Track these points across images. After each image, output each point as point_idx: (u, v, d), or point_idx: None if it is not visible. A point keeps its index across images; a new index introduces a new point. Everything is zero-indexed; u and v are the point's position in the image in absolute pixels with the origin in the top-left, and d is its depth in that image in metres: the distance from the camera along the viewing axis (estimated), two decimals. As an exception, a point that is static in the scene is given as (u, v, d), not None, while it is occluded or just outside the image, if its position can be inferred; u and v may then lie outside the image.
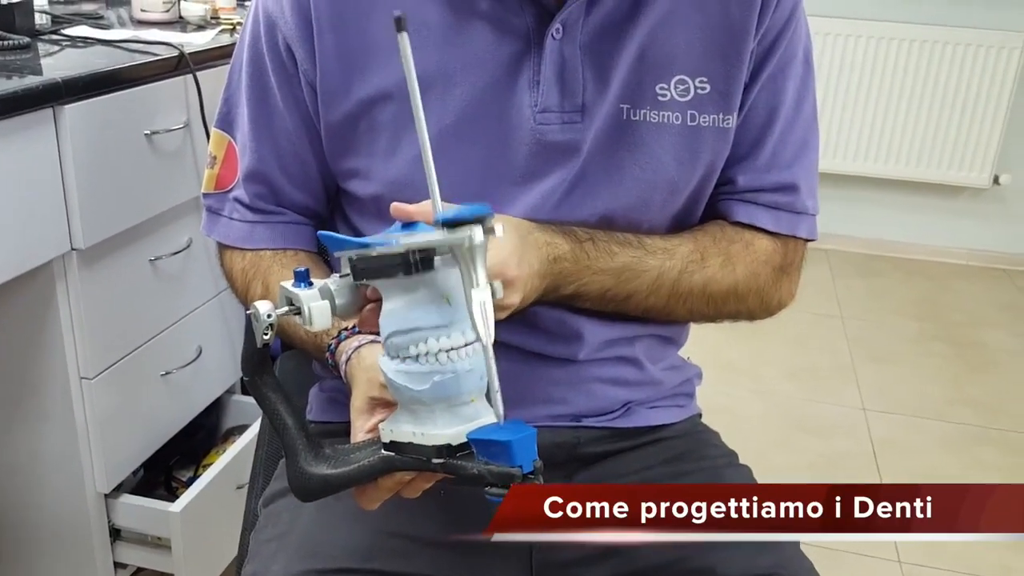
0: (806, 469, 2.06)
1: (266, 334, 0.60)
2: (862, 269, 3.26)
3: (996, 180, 3.25)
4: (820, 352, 2.63)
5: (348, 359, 0.69)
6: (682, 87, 0.75)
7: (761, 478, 2.12)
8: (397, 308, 0.56)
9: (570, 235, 0.73)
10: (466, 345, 0.55)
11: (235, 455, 1.50)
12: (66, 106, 1.13)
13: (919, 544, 1.81)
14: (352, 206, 0.82)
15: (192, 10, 1.61)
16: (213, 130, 0.85)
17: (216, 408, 1.67)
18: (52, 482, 1.34)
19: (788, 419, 2.26)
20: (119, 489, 1.40)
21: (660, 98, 0.75)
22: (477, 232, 0.51)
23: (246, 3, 1.90)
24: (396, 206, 0.62)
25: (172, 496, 1.48)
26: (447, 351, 0.55)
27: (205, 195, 0.85)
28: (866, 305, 2.97)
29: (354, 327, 0.71)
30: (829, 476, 2.04)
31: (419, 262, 0.54)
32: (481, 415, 0.56)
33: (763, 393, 2.38)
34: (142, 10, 1.61)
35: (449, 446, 0.55)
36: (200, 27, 1.60)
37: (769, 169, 0.80)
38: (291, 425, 0.63)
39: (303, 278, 0.59)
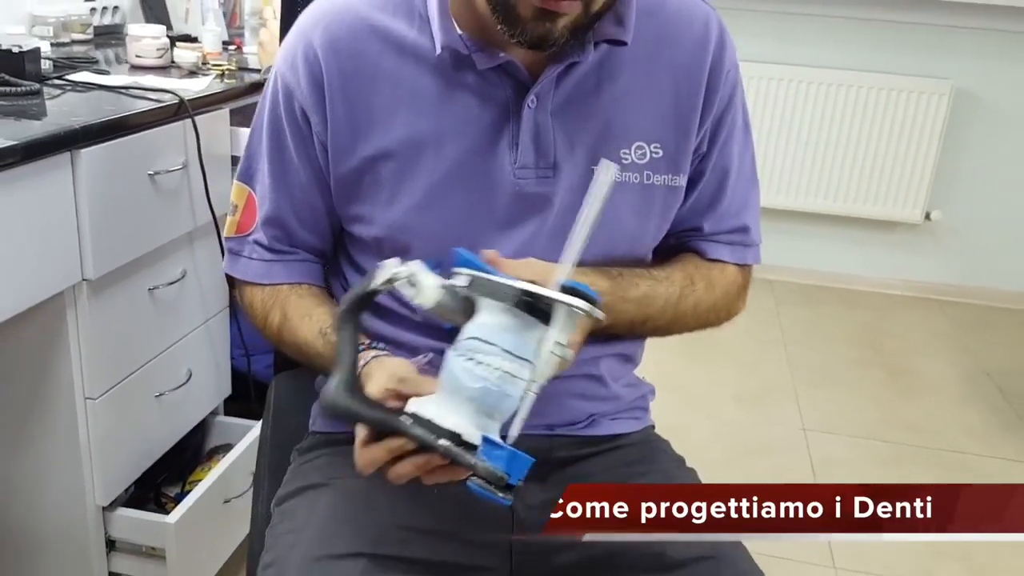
0: (751, 485, 2.21)
1: (383, 283, 0.71)
2: (804, 298, 3.44)
3: (928, 216, 3.45)
4: (764, 376, 2.79)
5: (367, 363, 0.79)
6: (640, 151, 0.89)
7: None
8: (489, 322, 0.68)
9: (604, 273, 0.88)
10: (524, 381, 0.67)
11: (222, 472, 1.60)
12: (82, 150, 1.24)
13: (852, 549, 1.97)
14: (355, 246, 0.95)
15: (184, 56, 1.73)
16: (235, 183, 0.97)
17: (202, 428, 1.77)
18: (54, 495, 1.43)
19: (734, 439, 2.41)
20: (114, 503, 1.49)
21: (623, 160, 0.89)
22: (596, 311, 0.66)
23: (230, 48, 2.02)
24: (490, 255, 0.75)
25: (161, 510, 1.58)
26: (507, 373, 0.67)
27: (227, 239, 0.98)
28: (807, 332, 3.14)
29: (371, 342, 0.83)
30: (772, 492, 2.19)
31: (528, 304, 0.67)
32: (492, 432, 0.68)
33: (711, 415, 2.53)
34: (137, 56, 1.73)
35: (459, 436, 0.66)
36: (192, 72, 1.72)
37: (726, 217, 0.97)
38: (347, 361, 0.72)
39: (432, 265, 0.71)
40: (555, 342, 0.67)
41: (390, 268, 0.71)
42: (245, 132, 1.64)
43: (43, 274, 1.23)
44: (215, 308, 1.69)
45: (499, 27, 0.78)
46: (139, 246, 1.41)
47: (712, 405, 2.58)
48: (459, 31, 0.85)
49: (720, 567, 0.84)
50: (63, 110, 1.35)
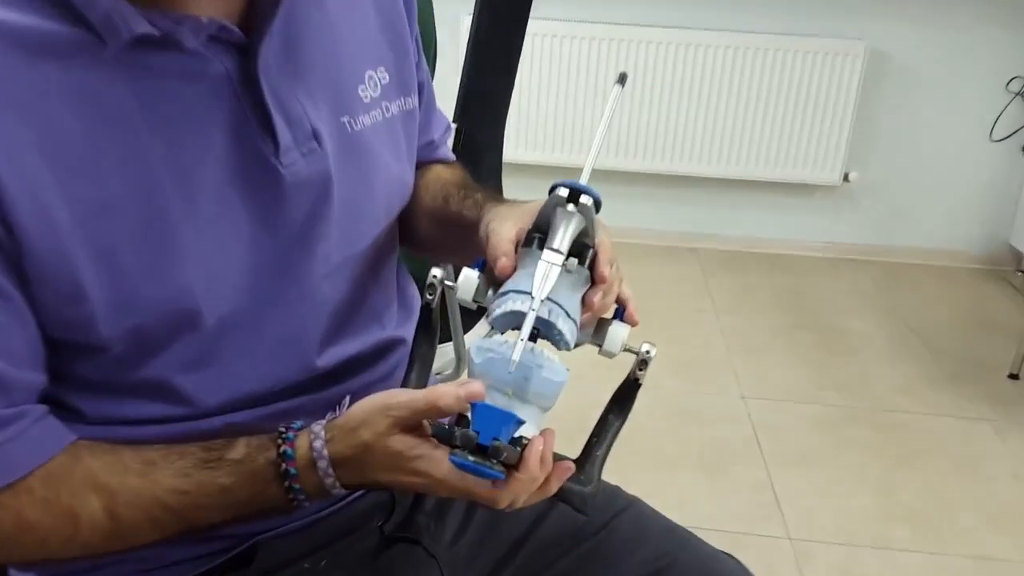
0: (695, 457, 2.14)
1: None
2: (729, 266, 3.42)
3: (846, 177, 3.46)
4: (698, 346, 2.73)
5: (330, 424, 0.67)
6: (372, 82, 0.76)
7: (656, 470, 2.19)
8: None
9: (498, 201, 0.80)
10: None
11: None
12: None
13: (803, 519, 1.92)
14: (95, 357, 0.66)
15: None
16: None
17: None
18: None
19: (673, 411, 2.34)
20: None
21: (364, 100, 0.75)
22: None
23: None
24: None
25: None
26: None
27: None
28: (736, 299, 3.11)
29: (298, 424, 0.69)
30: (718, 462, 2.13)
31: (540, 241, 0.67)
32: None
33: (648, 388, 2.45)
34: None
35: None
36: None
37: (441, 122, 0.96)
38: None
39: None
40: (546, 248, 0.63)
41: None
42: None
43: None
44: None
45: None
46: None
47: (648, 379, 2.50)
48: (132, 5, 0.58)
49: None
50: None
